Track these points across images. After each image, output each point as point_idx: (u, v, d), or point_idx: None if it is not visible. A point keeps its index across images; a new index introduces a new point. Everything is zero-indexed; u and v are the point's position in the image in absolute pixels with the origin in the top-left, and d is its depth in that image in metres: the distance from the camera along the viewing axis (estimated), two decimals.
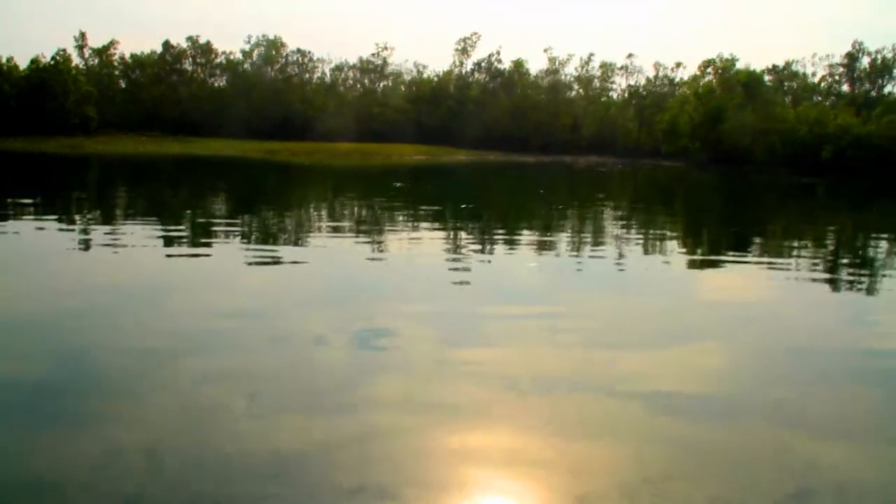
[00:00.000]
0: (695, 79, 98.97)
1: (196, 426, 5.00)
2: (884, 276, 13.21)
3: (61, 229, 16.05)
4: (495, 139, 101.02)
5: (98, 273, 10.93)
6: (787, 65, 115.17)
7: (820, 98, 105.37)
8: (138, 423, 5.03)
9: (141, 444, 4.66)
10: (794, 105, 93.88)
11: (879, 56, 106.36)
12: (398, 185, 37.67)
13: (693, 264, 14.29)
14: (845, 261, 15.38)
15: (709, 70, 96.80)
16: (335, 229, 18.01)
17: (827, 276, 12.88)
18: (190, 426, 4.99)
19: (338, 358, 6.69)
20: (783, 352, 7.45)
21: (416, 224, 18.96)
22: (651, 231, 20.29)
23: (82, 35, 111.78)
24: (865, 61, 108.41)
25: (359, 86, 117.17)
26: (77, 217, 19.15)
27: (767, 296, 10.80)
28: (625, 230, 19.68)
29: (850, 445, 5.11)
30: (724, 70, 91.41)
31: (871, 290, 11.64)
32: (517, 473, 4.52)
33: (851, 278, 12.82)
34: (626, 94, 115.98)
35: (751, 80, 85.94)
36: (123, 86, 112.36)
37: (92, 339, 7.09)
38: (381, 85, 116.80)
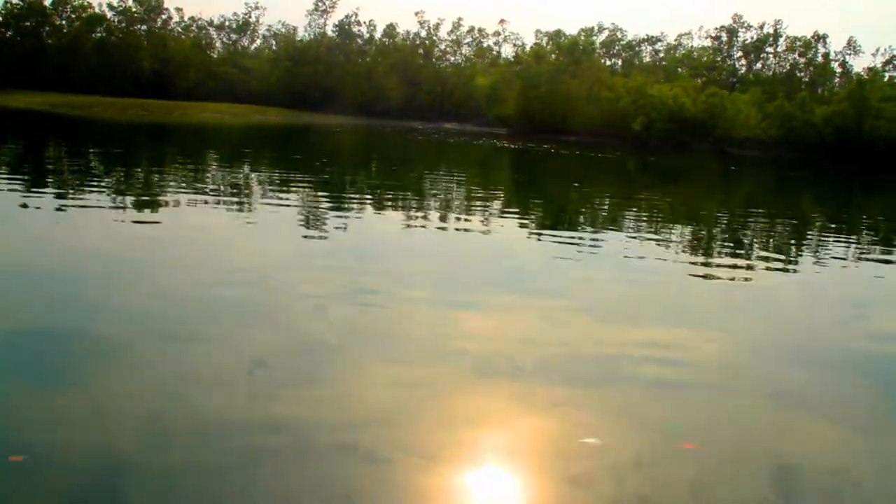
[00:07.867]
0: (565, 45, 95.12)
1: (192, 393, 4.96)
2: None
3: None
4: (346, 102, 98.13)
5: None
6: (678, 37, 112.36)
7: (706, 73, 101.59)
8: (132, 388, 4.99)
9: (134, 409, 4.63)
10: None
11: (757, 32, 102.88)
12: None
13: None
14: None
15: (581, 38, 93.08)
16: None
17: None
18: (186, 394, 4.95)
19: (331, 332, 6.60)
20: (783, 335, 7.51)
21: None
22: None
23: None
24: (749, 36, 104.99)
25: (227, 44, 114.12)
26: None
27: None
28: None
29: (847, 429, 5.20)
30: (557, 37, 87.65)
31: None
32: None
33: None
34: (497, 63, 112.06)
35: (576, 48, 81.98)
36: None
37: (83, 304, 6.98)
38: (253, 46, 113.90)
